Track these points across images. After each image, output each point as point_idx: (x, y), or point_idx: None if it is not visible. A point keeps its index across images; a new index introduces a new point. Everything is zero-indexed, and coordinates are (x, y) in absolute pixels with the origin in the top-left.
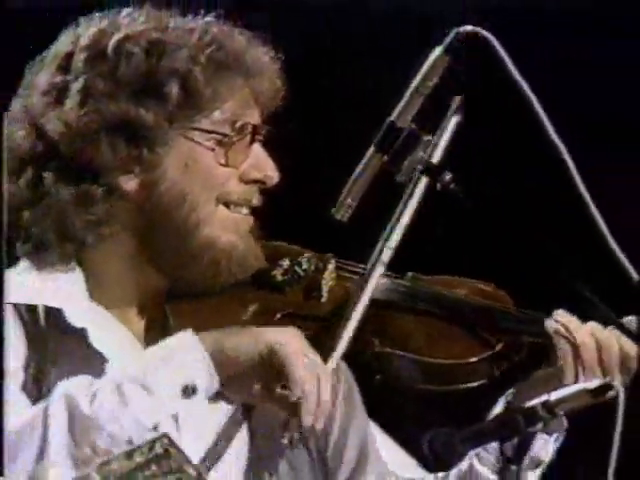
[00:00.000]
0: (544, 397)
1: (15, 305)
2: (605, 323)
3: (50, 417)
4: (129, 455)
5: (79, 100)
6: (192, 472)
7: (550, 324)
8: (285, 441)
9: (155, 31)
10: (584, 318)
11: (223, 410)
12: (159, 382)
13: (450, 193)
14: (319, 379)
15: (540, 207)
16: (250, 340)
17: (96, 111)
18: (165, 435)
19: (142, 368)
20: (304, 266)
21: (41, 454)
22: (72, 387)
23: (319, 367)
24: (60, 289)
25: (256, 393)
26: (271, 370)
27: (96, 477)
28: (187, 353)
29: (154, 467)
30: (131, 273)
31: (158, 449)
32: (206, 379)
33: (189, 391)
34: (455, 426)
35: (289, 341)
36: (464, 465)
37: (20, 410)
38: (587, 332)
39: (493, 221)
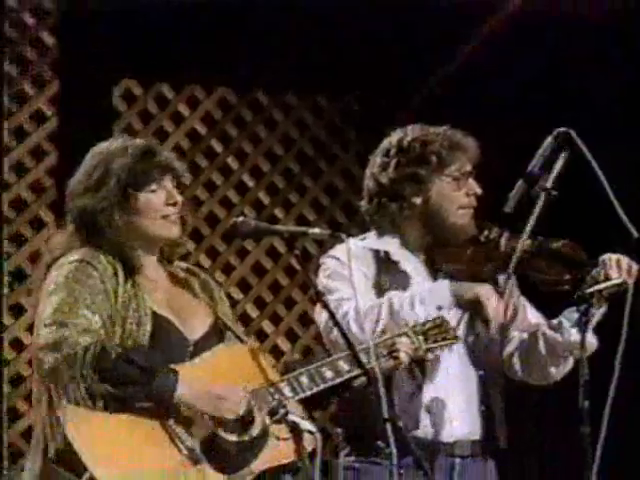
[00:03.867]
0: (596, 287)
1: (370, 249)
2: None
3: (382, 307)
4: (424, 324)
5: (393, 168)
6: (453, 333)
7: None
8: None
9: (423, 136)
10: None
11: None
12: (428, 301)
13: (555, 200)
14: (500, 310)
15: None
16: (468, 290)
17: (400, 172)
18: (441, 316)
19: (422, 293)
20: (494, 233)
21: (377, 323)
22: (392, 295)
23: (499, 304)
24: (389, 243)
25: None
26: (478, 306)
27: (410, 332)
28: (443, 292)
29: (435, 330)
30: (419, 235)
31: (437, 322)
32: (448, 304)
33: (439, 308)
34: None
35: (485, 293)
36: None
37: (368, 298)
38: (615, 256)
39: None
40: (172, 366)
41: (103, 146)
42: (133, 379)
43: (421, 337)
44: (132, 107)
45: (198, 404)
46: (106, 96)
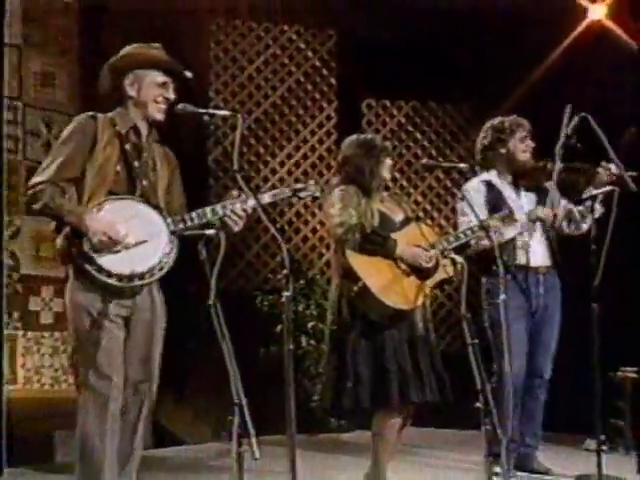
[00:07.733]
0: (599, 191)
1: (482, 181)
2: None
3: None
4: (497, 218)
5: (489, 138)
6: (515, 219)
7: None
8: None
9: (501, 121)
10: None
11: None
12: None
13: (579, 148)
14: (550, 214)
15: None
16: (533, 212)
17: (492, 139)
18: (510, 210)
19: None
20: (543, 163)
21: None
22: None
23: (549, 211)
24: (491, 176)
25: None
26: (539, 218)
27: (497, 219)
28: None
29: (508, 219)
30: (506, 170)
31: (508, 214)
32: (525, 226)
33: (508, 214)
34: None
35: (540, 210)
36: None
37: (482, 212)
38: (606, 164)
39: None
40: (391, 234)
41: (355, 137)
42: (377, 242)
43: (500, 222)
44: (370, 112)
45: (406, 257)
46: (357, 107)
